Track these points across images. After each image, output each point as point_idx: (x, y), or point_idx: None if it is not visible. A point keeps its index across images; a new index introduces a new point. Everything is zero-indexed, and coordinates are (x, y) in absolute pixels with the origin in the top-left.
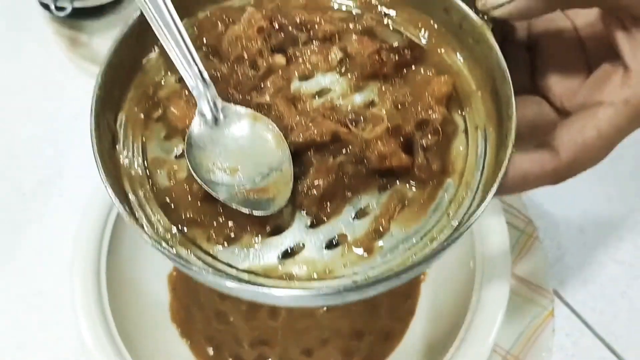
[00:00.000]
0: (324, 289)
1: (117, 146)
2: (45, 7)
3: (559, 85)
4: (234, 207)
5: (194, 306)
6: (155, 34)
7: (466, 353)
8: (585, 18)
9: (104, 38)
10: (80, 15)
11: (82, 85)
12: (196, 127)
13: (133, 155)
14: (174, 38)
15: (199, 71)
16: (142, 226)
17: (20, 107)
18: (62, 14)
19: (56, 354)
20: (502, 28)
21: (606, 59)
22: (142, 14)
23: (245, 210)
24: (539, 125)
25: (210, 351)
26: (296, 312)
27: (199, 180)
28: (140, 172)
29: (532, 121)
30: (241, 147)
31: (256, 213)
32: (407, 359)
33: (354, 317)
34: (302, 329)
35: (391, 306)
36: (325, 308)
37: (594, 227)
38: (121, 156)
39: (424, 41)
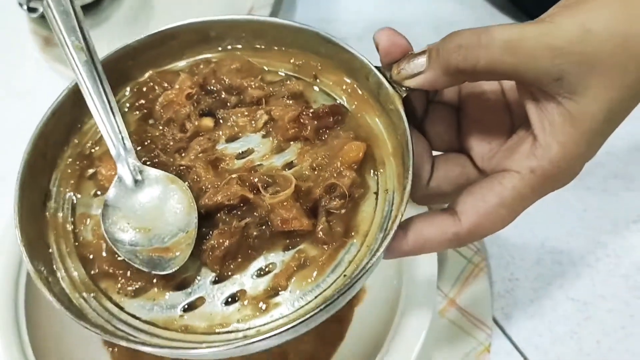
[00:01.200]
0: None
1: (48, 202)
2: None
3: (480, 146)
4: (135, 265)
5: None
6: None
7: None
8: (510, 82)
9: None
10: None
11: (55, 86)
12: (113, 189)
13: (62, 211)
14: (102, 105)
15: (122, 137)
16: (47, 283)
17: None
18: (34, 15)
19: None
20: (428, 91)
21: (526, 123)
22: (76, 84)
23: (145, 270)
24: (461, 184)
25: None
26: None
27: (106, 238)
28: (67, 227)
29: (455, 180)
30: (155, 208)
31: (154, 272)
32: None
33: None
34: None
35: (320, 330)
36: None
37: (551, 260)
38: (50, 212)
39: (351, 104)
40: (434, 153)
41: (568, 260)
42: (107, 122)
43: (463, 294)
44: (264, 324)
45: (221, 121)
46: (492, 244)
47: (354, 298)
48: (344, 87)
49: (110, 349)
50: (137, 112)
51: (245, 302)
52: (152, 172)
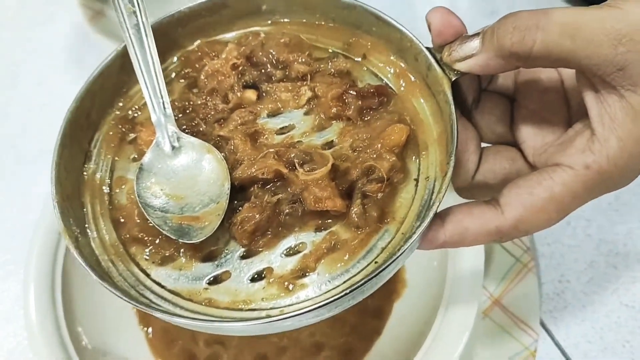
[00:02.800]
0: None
1: (87, 163)
2: None
3: (533, 139)
4: (164, 232)
5: None
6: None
7: None
8: (570, 72)
9: None
10: None
11: (101, 58)
12: (149, 154)
13: (100, 172)
14: (147, 69)
15: (163, 103)
16: (75, 242)
17: (38, 74)
18: None
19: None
20: (480, 77)
21: (585, 116)
22: (125, 47)
23: (173, 237)
24: (509, 178)
25: (164, 343)
26: None
27: (139, 203)
28: (104, 189)
29: (503, 173)
30: (190, 176)
31: (182, 240)
32: None
33: (316, 329)
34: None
35: (357, 324)
36: None
37: (605, 263)
38: (88, 172)
39: (398, 86)
40: (483, 145)
41: (624, 265)
42: (150, 87)
43: (509, 294)
44: (289, 305)
45: (264, 95)
46: (542, 243)
47: (393, 293)
48: (393, 68)
49: (146, 328)
50: (183, 80)
51: (272, 281)
52: (190, 140)
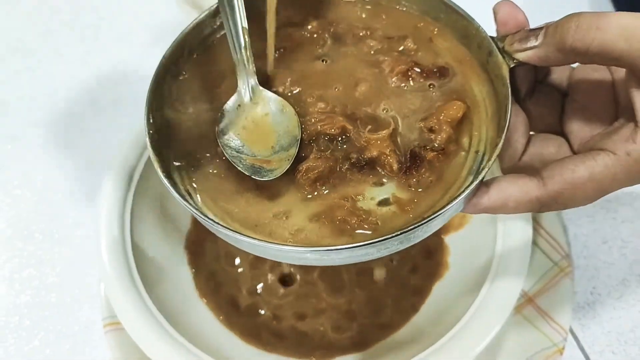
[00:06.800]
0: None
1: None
2: None
3: (581, 131)
4: (238, 168)
5: (210, 241)
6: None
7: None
8: (621, 73)
9: None
10: None
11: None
12: (231, 102)
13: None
14: (235, 28)
15: (248, 58)
16: (163, 172)
17: (121, 34)
18: None
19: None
20: (536, 70)
21: (631, 113)
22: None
23: (246, 173)
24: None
25: (210, 286)
26: (301, 278)
27: (218, 142)
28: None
29: (549, 158)
30: (264, 126)
31: (254, 177)
32: (397, 348)
33: (355, 297)
34: (301, 293)
35: (397, 298)
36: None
37: (637, 282)
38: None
39: (459, 69)
40: (532, 133)
41: None
42: (237, 44)
43: (543, 294)
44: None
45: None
46: (579, 256)
47: (435, 274)
48: (455, 53)
49: (193, 270)
50: None
51: (327, 223)
52: (268, 95)
